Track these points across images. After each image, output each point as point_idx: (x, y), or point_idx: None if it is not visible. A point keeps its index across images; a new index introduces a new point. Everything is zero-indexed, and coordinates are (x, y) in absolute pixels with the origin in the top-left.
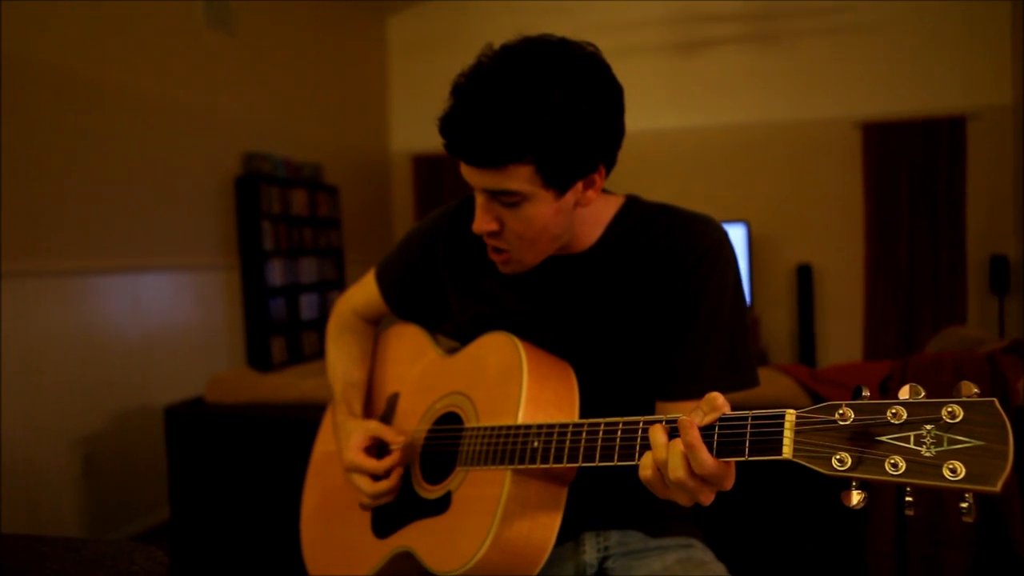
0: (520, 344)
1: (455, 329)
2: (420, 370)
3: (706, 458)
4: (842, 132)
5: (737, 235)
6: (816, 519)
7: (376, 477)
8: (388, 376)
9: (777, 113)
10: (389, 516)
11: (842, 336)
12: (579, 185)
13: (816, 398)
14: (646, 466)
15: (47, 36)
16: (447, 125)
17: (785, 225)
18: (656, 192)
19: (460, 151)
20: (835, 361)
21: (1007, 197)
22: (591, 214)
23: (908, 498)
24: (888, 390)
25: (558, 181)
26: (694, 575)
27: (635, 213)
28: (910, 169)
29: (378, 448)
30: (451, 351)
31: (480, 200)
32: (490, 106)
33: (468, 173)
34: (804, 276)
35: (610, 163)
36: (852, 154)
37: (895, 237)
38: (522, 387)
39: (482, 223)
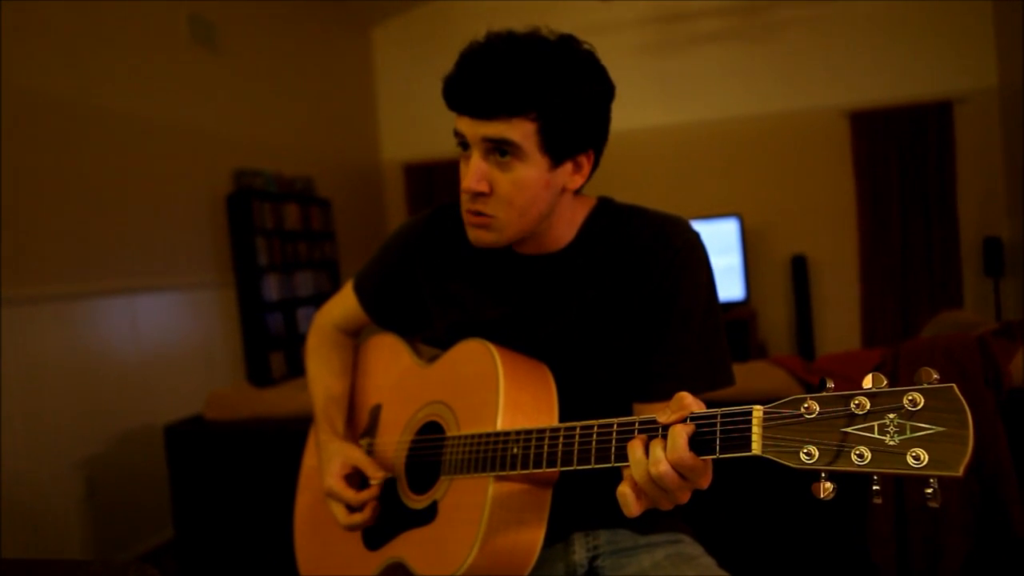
0: (495, 350)
1: (433, 336)
2: (400, 380)
3: (682, 443)
4: (830, 121)
5: (730, 229)
6: (815, 506)
7: (353, 508)
8: (369, 387)
9: (764, 105)
10: (378, 528)
11: (840, 325)
12: (568, 165)
13: (811, 389)
14: (624, 479)
15: (35, 61)
16: (457, 76)
17: (778, 217)
18: (647, 190)
19: (468, 100)
20: (835, 350)
21: (997, 179)
22: (566, 213)
23: (875, 487)
24: None
25: (554, 148)
26: (684, 570)
27: (608, 214)
28: (900, 155)
29: (359, 475)
30: (431, 359)
31: (474, 158)
32: (504, 59)
33: (469, 126)
34: (799, 267)
35: (598, 153)
36: (841, 143)
37: (888, 223)
38: (499, 393)
39: (472, 182)
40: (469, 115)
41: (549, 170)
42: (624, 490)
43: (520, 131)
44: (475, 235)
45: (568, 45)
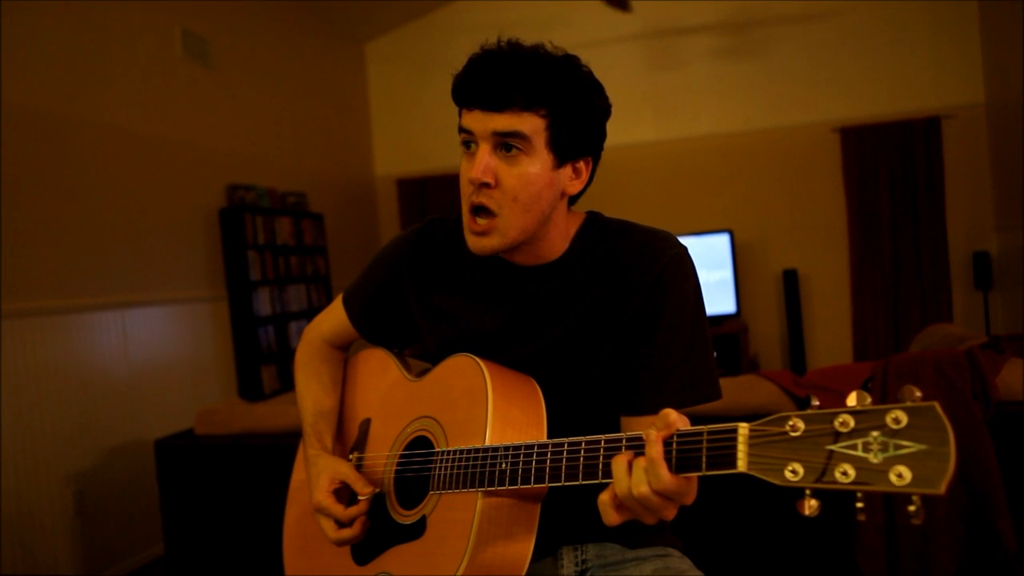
0: (484, 365)
1: (424, 351)
2: (390, 395)
3: (664, 474)
4: (820, 137)
5: (722, 243)
6: (803, 520)
7: (342, 523)
8: (358, 402)
9: (755, 121)
10: (368, 543)
11: (831, 338)
12: (569, 169)
13: (800, 403)
14: (606, 491)
15: (29, 77)
16: (471, 71)
17: (769, 232)
18: (639, 205)
19: (482, 92)
20: (826, 363)
21: (985, 194)
22: (561, 222)
23: (859, 504)
24: (870, 391)
25: (559, 147)
26: None
27: (597, 227)
28: (889, 170)
29: (348, 489)
30: (420, 374)
31: (482, 151)
32: (517, 58)
33: (479, 120)
34: (790, 281)
35: (595, 164)
36: (831, 158)
37: (878, 238)
38: (487, 408)
39: (479, 172)
40: (481, 108)
41: (553, 169)
42: (604, 499)
43: (530, 124)
44: (477, 243)
45: (572, 59)
